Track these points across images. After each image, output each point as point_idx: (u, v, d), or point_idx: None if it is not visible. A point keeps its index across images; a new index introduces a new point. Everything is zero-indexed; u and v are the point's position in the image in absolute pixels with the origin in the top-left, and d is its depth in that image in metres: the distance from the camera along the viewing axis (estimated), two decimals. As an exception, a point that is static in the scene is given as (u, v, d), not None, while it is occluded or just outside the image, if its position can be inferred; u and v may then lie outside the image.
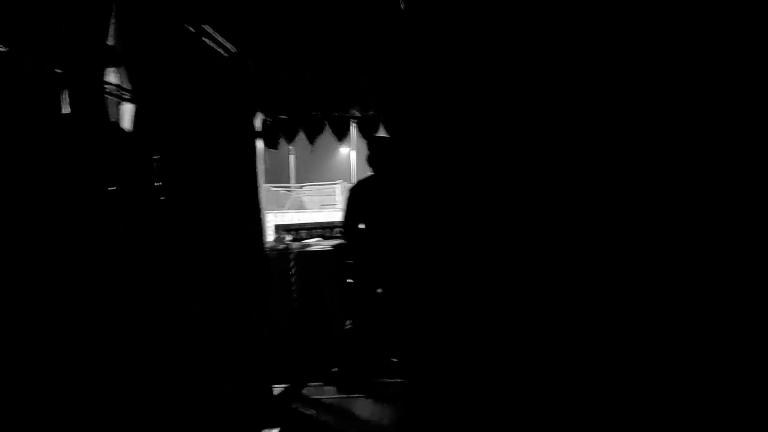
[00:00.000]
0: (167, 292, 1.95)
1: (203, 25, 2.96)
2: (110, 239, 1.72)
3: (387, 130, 4.27)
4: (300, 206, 16.11)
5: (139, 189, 1.96)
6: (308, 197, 16.65)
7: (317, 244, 4.94)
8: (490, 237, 1.76)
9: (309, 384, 4.00)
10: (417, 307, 1.92)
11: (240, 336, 2.71)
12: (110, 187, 1.79)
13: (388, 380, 3.99)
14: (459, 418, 1.76)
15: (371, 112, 4.28)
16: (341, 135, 4.41)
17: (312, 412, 3.46)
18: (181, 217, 2.24)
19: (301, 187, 16.71)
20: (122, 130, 2.50)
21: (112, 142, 2.24)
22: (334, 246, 4.63)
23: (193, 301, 2.14)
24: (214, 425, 2.05)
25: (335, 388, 3.93)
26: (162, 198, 2.17)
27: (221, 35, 3.11)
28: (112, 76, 2.54)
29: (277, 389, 3.78)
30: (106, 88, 2.48)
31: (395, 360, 4.05)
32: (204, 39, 2.97)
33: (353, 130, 4.44)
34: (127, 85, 2.58)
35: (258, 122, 4.18)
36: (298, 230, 5.27)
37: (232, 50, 3.20)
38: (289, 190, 16.10)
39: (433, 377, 1.84)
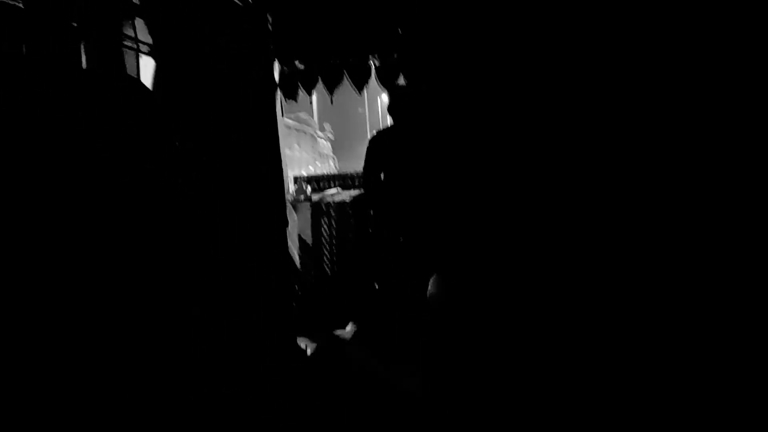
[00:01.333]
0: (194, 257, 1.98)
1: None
2: (133, 203, 1.73)
3: (407, 79, 4.18)
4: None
5: (157, 146, 1.96)
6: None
7: (338, 194, 4.95)
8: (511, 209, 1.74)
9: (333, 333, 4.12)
10: (418, 303, 1.94)
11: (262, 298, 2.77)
12: (128, 146, 1.79)
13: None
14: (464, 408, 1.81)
15: (391, 61, 4.19)
16: (361, 84, 4.34)
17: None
18: (198, 181, 2.25)
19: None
20: (141, 84, 2.49)
21: (131, 97, 2.23)
22: (353, 197, 4.65)
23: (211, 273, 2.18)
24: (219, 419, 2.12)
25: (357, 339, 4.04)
26: (181, 157, 2.17)
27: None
28: (129, 29, 2.52)
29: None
30: (123, 41, 2.46)
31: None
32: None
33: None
34: (144, 38, 2.56)
35: (276, 73, 4.13)
36: (318, 181, 5.28)
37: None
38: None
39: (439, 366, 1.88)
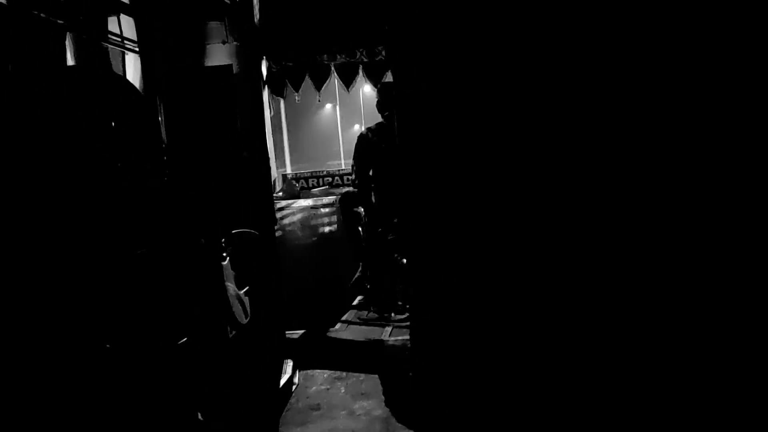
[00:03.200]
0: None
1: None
2: (118, 205, 1.71)
3: (394, 75, 4.18)
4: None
5: (146, 145, 1.94)
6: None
7: (326, 192, 4.94)
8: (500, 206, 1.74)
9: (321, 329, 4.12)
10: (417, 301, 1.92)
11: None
12: (116, 146, 1.77)
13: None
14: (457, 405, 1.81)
15: (379, 57, 4.19)
16: (348, 81, 4.33)
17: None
18: (190, 178, 2.23)
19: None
20: (127, 82, 2.46)
21: (117, 95, 2.20)
22: (342, 194, 4.64)
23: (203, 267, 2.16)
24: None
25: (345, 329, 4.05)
26: (167, 156, 2.15)
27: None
28: (114, 26, 2.49)
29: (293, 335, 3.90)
30: (108, 38, 2.42)
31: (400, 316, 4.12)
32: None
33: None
34: (130, 35, 2.52)
35: (263, 70, 4.11)
36: (306, 179, 5.26)
37: (235, -4, 3.11)
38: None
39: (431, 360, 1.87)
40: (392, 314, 4.21)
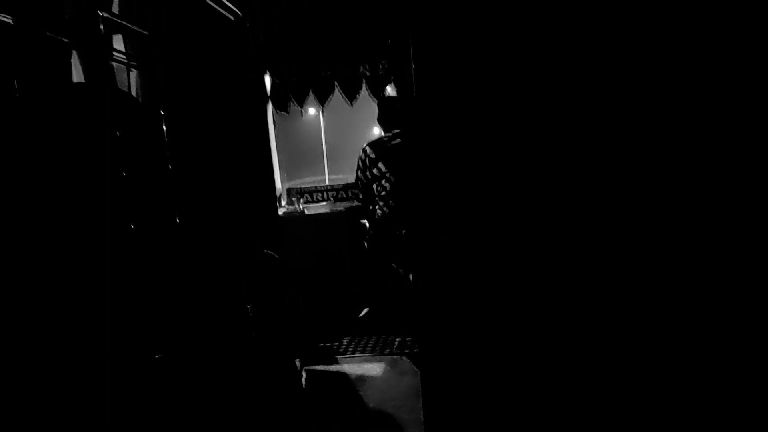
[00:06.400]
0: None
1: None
2: (122, 221, 1.72)
3: (397, 88, 4.21)
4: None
5: (151, 160, 1.96)
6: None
7: (331, 206, 4.95)
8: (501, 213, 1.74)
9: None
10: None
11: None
12: (123, 160, 1.79)
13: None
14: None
15: (381, 71, 4.22)
16: (352, 95, 4.36)
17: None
18: (192, 194, 2.25)
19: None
20: (133, 98, 2.49)
21: (123, 111, 2.23)
22: (347, 208, 4.64)
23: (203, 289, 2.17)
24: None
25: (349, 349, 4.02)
26: (173, 171, 2.18)
27: (226, -3, 3.05)
28: (119, 44, 2.52)
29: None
30: (114, 56, 2.46)
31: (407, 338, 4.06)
32: (208, 2, 2.92)
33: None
34: (135, 53, 2.56)
35: (267, 85, 4.15)
36: (311, 193, 5.28)
37: (238, 13, 3.15)
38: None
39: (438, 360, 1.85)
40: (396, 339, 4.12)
